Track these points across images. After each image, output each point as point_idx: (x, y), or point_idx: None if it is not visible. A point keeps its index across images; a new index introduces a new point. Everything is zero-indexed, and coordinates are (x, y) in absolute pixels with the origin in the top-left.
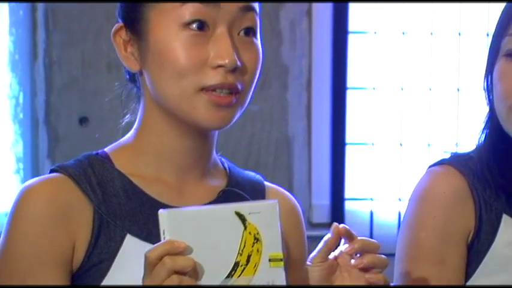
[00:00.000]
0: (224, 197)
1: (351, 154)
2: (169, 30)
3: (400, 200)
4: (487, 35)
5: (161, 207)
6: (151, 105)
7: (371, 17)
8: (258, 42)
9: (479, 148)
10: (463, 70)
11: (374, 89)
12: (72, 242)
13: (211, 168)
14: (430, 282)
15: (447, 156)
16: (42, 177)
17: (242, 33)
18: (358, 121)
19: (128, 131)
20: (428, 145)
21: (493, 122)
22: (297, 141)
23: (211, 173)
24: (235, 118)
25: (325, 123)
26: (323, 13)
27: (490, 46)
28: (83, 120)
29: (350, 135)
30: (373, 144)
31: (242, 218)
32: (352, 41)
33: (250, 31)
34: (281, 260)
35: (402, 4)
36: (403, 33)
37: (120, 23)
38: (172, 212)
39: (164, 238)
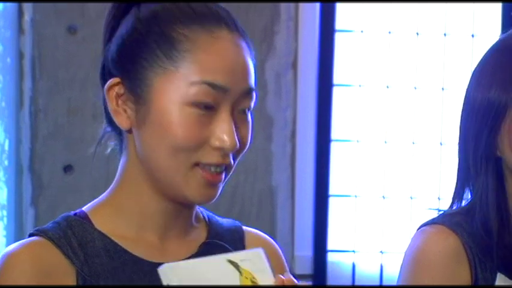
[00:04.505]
0: (206, 249)
1: (334, 206)
2: (174, 104)
3: (382, 252)
4: (472, 35)
5: (144, 266)
6: (134, 164)
7: (355, 69)
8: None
9: (473, 205)
10: (445, 123)
11: (358, 141)
12: None
13: (193, 221)
14: None
15: (436, 214)
16: (22, 242)
17: (241, 111)
18: (342, 173)
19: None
20: (411, 198)
21: (493, 178)
22: (281, 192)
23: (193, 227)
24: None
25: (309, 175)
26: (308, 65)
27: (489, 106)
28: (67, 169)
29: (333, 187)
30: (356, 196)
31: (235, 265)
32: (337, 94)
33: (248, 110)
34: None
35: (387, 59)
36: (387, 87)
37: (117, 79)
38: (172, 266)
39: None
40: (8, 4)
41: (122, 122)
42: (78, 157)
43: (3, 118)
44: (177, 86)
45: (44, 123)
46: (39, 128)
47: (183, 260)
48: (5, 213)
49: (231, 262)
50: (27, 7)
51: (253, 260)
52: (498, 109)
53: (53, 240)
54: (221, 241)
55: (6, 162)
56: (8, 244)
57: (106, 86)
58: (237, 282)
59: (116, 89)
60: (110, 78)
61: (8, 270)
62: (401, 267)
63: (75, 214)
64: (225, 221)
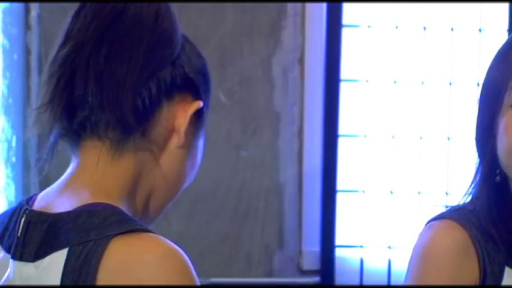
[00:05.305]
0: None
1: (341, 201)
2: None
3: (390, 247)
4: (480, 30)
5: None
6: (155, 175)
7: (363, 64)
8: None
9: (477, 200)
10: (453, 118)
11: (365, 136)
12: None
13: None
14: None
15: (444, 210)
16: None
17: None
18: (349, 168)
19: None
20: (419, 193)
21: (490, 174)
22: (288, 188)
23: None
24: None
25: (316, 171)
26: (315, 61)
27: (488, 98)
28: None
29: (341, 182)
30: (363, 191)
31: None
32: (344, 89)
33: None
34: None
35: (394, 55)
36: (395, 82)
37: (201, 102)
38: None
39: None
40: None
41: (181, 139)
42: None
43: (11, 115)
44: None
45: None
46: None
47: None
48: None
49: None
50: (34, 3)
51: None
52: (498, 87)
53: None
54: None
55: (13, 159)
56: None
57: (194, 109)
58: None
59: (195, 110)
60: (182, 92)
61: None
62: (409, 262)
63: (115, 209)
64: None
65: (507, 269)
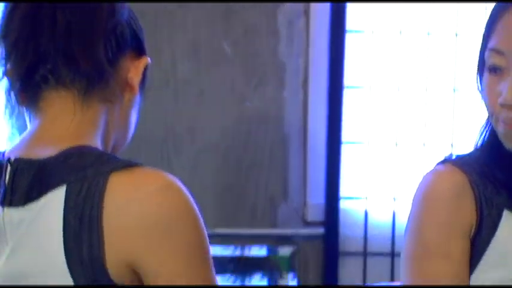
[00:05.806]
0: None
1: (346, 153)
2: None
3: (394, 199)
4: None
5: None
6: (114, 123)
7: (368, 16)
8: None
9: (480, 147)
10: (459, 70)
11: (370, 88)
12: None
13: None
14: (438, 277)
15: (450, 156)
16: None
17: None
18: (354, 119)
19: None
20: (424, 145)
21: (490, 122)
22: (293, 139)
23: None
24: None
25: (321, 122)
26: (321, 12)
27: (481, 48)
28: None
29: (346, 134)
30: (368, 143)
31: None
32: (350, 40)
33: None
34: None
35: (399, 4)
36: (400, 32)
37: (148, 59)
38: None
39: None
40: None
41: (135, 92)
42: None
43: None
44: None
45: None
46: None
47: None
48: None
49: None
50: None
51: None
52: (482, 45)
53: None
54: None
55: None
56: None
57: (146, 63)
58: None
59: (144, 66)
60: (131, 48)
61: None
62: (411, 205)
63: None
64: None
65: (506, 211)
